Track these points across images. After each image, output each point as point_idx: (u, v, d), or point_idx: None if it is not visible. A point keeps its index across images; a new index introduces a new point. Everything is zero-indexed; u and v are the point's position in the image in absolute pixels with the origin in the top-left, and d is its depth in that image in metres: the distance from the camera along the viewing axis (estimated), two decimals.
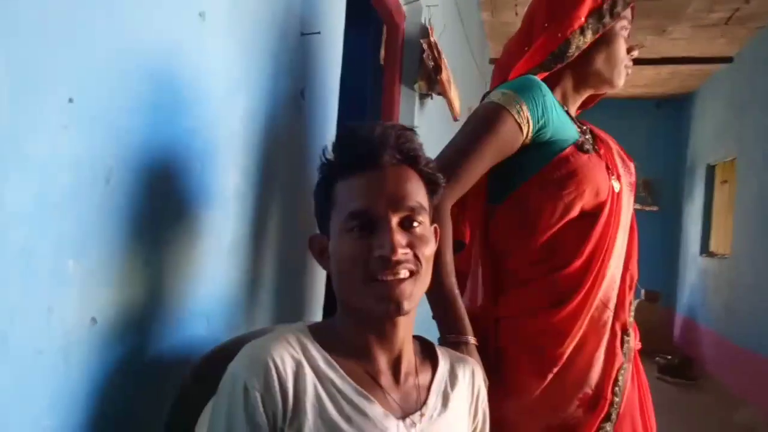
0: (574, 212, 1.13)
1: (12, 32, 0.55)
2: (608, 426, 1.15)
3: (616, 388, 1.15)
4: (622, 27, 1.21)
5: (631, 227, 1.24)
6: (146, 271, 0.77)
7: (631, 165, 1.28)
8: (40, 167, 0.60)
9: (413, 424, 0.74)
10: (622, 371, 1.16)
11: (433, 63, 2.37)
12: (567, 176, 1.12)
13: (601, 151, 1.21)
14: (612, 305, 1.16)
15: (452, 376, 0.82)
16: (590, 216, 1.14)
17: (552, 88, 1.17)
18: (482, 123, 1.12)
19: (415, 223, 0.73)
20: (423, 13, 2.51)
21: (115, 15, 0.68)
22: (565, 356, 1.13)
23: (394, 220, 0.72)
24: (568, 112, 1.22)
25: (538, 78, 1.15)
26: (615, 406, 1.15)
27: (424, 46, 2.38)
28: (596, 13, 1.16)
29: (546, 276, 1.15)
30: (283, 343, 0.72)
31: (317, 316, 1.40)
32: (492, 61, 5.56)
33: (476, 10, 4.40)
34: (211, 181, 0.92)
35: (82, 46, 0.64)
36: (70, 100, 0.63)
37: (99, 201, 0.68)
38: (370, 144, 0.73)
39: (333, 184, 0.75)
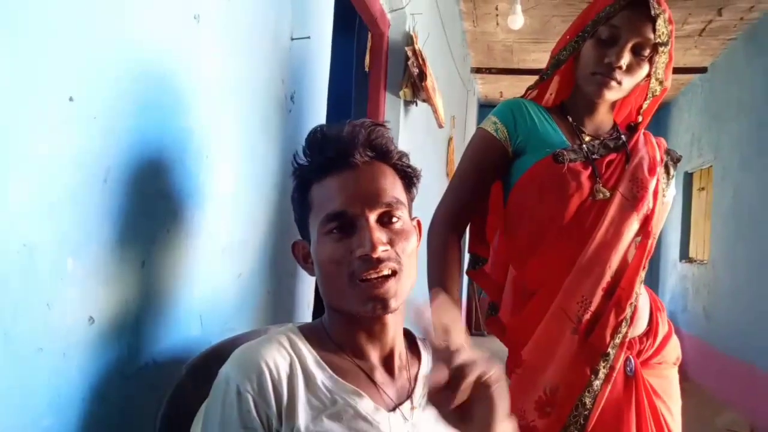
0: (541, 218, 1.18)
1: (14, 30, 0.56)
2: None
3: (579, 405, 1.12)
4: (603, 40, 1.16)
5: (641, 246, 1.17)
6: (143, 271, 0.78)
7: (651, 179, 1.19)
8: (41, 165, 0.60)
9: (404, 416, 0.74)
10: (589, 392, 1.12)
11: (417, 70, 2.40)
12: (533, 186, 1.19)
13: (603, 160, 1.19)
14: (576, 319, 1.14)
15: None
16: (551, 222, 1.18)
17: (571, 98, 1.26)
18: (468, 145, 1.29)
19: (394, 219, 0.73)
20: (407, 21, 2.54)
21: (112, 16, 0.69)
22: (526, 358, 1.18)
23: (372, 217, 0.71)
24: (571, 124, 1.24)
25: (519, 99, 1.28)
26: (575, 423, 1.12)
27: (409, 53, 2.41)
28: (579, 33, 1.21)
29: (518, 275, 1.25)
30: (276, 346, 0.72)
31: (307, 317, 1.41)
32: (474, 69, 5.63)
33: (458, 19, 4.47)
34: (205, 182, 0.92)
35: (82, 46, 0.64)
36: (71, 99, 0.63)
37: (97, 200, 0.68)
38: (341, 143, 0.73)
39: (308, 188, 0.75)
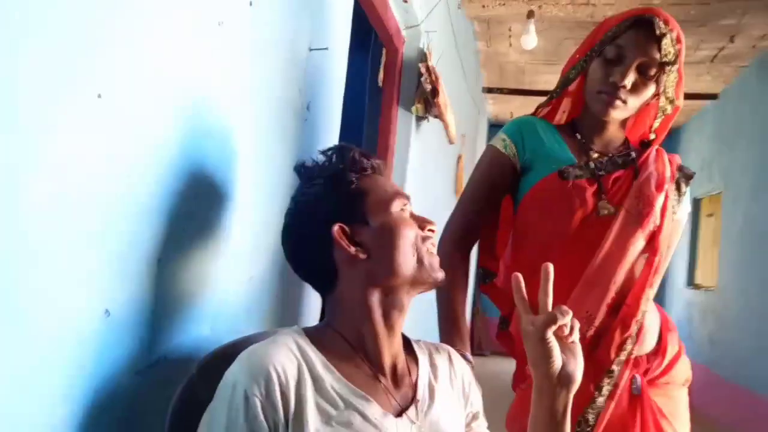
0: (546, 233, 1.19)
1: (45, 28, 0.58)
2: None
3: (581, 422, 1.12)
4: (608, 59, 1.17)
5: (649, 263, 1.17)
6: (159, 268, 0.79)
7: (659, 195, 1.19)
8: (68, 159, 0.62)
9: (411, 421, 0.75)
10: (593, 408, 1.12)
11: (430, 86, 2.43)
12: (539, 202, 1.21)
13: (610, 176, 1.20)
14: (580, 334, 1.11)
15: (433, 368, 0.85)
16: (556, 237, 1.19)
17: (581, 116, 1.28)
18: (478, 162, 1.32)
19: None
20: (422, 38, 2.58)
21: (141, 17, 0.71)
22: (530, 373, 1.17)
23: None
24: (579, 141, 1.25)
25: (529, 116, 1.32)
26: None
27: (422, 69, 2.44)
28: (588, 53, 1.22)
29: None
30: (284, 349, 0.72)
31: (314, 321, 1.41)
32: (486, 89, 5.68)
33: (472, 39, 4.52)
34: (224, 186, 0.94)
35: (112, 45, 0.67)
36: (99, 96, 0.65)
37: (119, 195, 0.70)
38: (363, 155, 0.85)
39: (355, 180, 0.82)
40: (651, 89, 1.19)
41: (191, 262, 0.87)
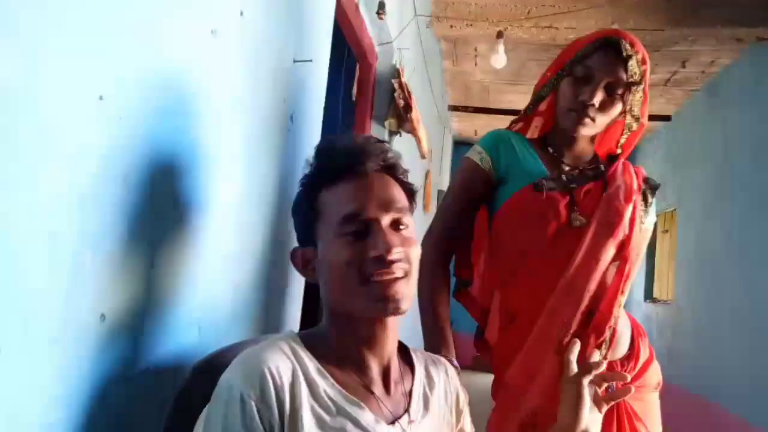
0: (521, 244, 1.23)
1: (47, 28, 0.58)
2: None
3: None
4: (578, 78, 1.22)
5: (620, 270, 1.21)
6: (151, 273, 0.78)
7: (627, 206, 1.23)
8: (69, 160, 0.61)
9: (403, 429, 0.75)
10: None
11: (403, 102, 2.47)
12: (514, 213, 1.25)
13: (581, 189, 1.24)
14: (557, 341, 1.16)
15: (429, 379, 0.84)
16: (531, 248, 1.22)
17: (552, 131, 1.33)
18: (455, 174, 1.36)
19: (402, 226, 0.76)
20: (394, 55, 2.63)
21: (140, 22, 0.72)
22: (509, 381, 1.21)
23: (385, 222, 0.74)
24: (552, 155, 1.30)
25: (503, 130, 1.36)
26: None
27: (396, 85, 2.48)
28: (559, 71, 1.28)
29: (502, 299, 1.29)
30: (278, 352, 0.72)
31: (295, 327, 1.41)
32: (451, 107, 5.79)
33: (439, 57, 4.61)
34: (213, 192, 0.94)
35: (112, 47, 0.67)
36: (101, 98, 0.65)
37: (116, 198, 0.70)
38: (354, 152, 0.76)
39: (316, 195, 0.77)
40: (618, 108, 1.25)
41: (180, 268, 0.87)
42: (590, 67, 1.21)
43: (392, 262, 0.72)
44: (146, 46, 0.73)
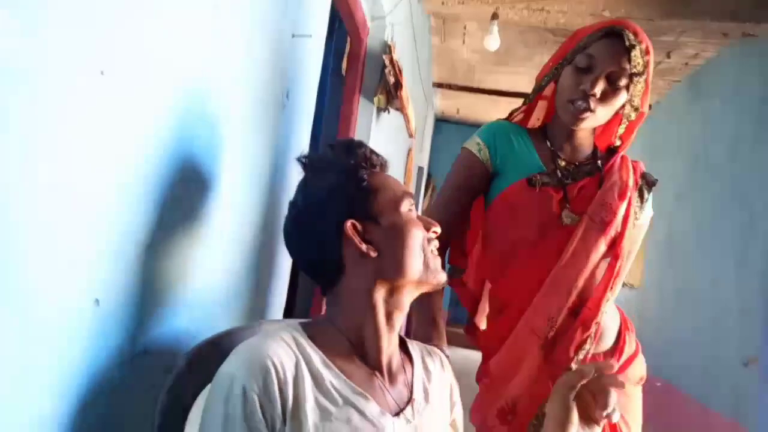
0: (512, 238, 1.23)
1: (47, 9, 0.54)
2: None
3: (539, 415, 1.15)
4: (579, 68, 1.20)
5: (610, 267, 1.21)
6: (145, 258, 0.76)
7: (621, 203, 1.23)
8: (69, 140, 0.58)
9: (408, 420, 0.76)
10: None
11: (393, 79, 2.43)
12: (507, 207, 1.25)
13: (576, 185, 1.24)
14: (542, 335, 1.17)
15: (426, 371, 0.86)
16: (522, 242, 1.23)
17: (550, 124, 1.32)
18: (453, 164, 1.34)
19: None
20: (386, 30, 2.57)
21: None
22: (493, 368, 1.23)
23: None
24: (550, 148, 1.28)
25: (502, 121, 1.34)
26: (533, 431, 1.15)
27: (386, 62, 2.43)
28: (561, 61, 1.25)
29: (492, 288, 1.31)
30: (281, 344, 0.70)
31: (278, 315, 1.40)
32: (435, 84, 5.74)
33: (428, 33, 4.54)
34: (207, 173, 0.91)
35: (112, 24, 0.63)
36: (102, 73, 0.61)
37: (111, 180, 0.67)
38: (368, 150, 0.84)
39: (362, 177, 0.80)
40: (621, 99, 1.21)
41: (174, 253, 0.84)
42: (592, 56, 1.18)
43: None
44: (147, 20, 0.69)
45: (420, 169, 4.91)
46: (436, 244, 0.85)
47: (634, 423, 1.24)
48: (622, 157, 1.31)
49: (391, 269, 0.78)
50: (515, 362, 1.20)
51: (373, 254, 0.77)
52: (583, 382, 0.78)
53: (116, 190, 0.68)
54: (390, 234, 0.79)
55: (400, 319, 0.81)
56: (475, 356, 1.36)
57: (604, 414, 0.78)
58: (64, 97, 0.57)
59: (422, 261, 0.80)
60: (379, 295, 0.78)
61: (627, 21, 1.22)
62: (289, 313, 0.83)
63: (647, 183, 1.30)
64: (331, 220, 0.78)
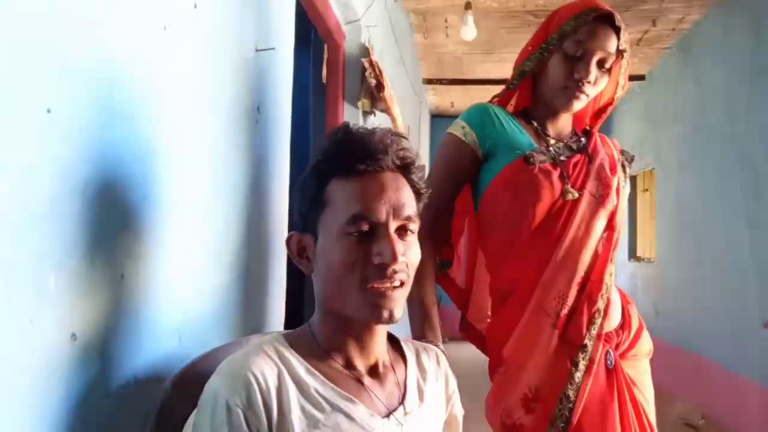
0: (515, 219, 1.22)
1: None
2: None
3: (563, 398, 1.15)
4: (570, 55, 1.21)
5: (608, 240, 1.22)
6: (122, 285, 0.76)
7: (614, 178, 1.25)
8: (20, 176, 0.58)
9: (399, 422, 0.75)
10: (572, 385, 1.15)
11: (375, 81, 2.43)
12: (508, 188, 1.22)
13: (570, 161, 1.24)
14: (554, 314, 1.17)
15: (421, 369, 0.84)
16: (527, 222, 1.21)
17: (533, 105, 1.31)
18: (438, 151, 1.31)
19: (409, 232, 0.74)
20: (363, 33, 2.58)
21: (86, 26, 0.68)
22: (507, 356, 1.21)
23: (392, 227, 0.72)
24: (535, 128, 1.28)
25: (486, 104, 1.32)
26: (560, 416, 1.14)
27: (366, 64, 2.44)
28: (543, 45, 1.25)
29: (494, 277, 1.28)
30: (262, 356, 0.70)
31: (279, 326, 1.40)
32: (425, 81, 5.73)
33: (410, 32, 4.54)
34: (179, 194, 0.91)
35: (57, 57, 0.63)
36: (48, 111, 0.62)
37: (76, 213, 0.67)
38: (372, 147, 0.72)
39: (326, 184, 0.73)
40: (606, 79, 1.25)
41: (153, 276, 0.84)
42: (582, 41, 1.19)
43: (395, 272, 0.70)
44: (93, 50, 0.70)
45: None
46: (390, 276, 0.71)
47: (650, 395, 1.23)
48: (600, 135, 1.34)
49: (324, 296, 0.75)
50: (530, 345, 1.18)
51: (308, 271, 0.76)
52: None
53: (81, 225, 0.68)
54: (321, 256, 0.73)
55: (369, 341, 0.76)
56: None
57: None
58: (11, 134, 0.57)
59: (352, 295, 0.71)
60: (332, 315, 0.76)
61: (599, 2, 1.22)
62: (298, 323, 0.82)
63: (627, 159, 1.32)
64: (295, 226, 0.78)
